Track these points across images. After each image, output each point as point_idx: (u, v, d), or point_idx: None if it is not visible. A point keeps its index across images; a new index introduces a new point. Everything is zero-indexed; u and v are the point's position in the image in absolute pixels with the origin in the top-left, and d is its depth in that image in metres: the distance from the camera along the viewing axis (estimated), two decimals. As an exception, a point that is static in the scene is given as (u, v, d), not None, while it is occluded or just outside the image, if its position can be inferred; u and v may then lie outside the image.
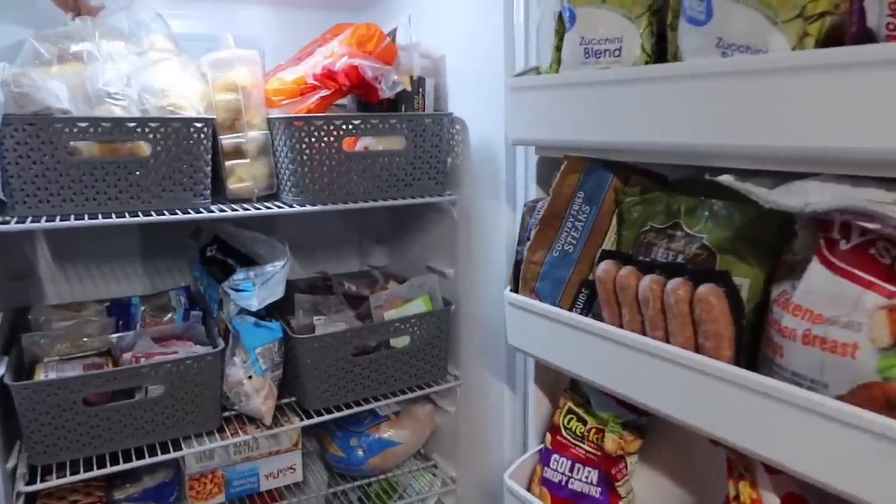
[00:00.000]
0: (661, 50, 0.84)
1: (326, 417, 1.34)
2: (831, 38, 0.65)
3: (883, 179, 0.65)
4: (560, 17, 0.93)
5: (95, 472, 1.13)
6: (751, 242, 0.79)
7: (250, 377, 1.23)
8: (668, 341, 0.82)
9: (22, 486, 1.09)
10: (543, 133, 0.99)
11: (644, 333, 0.85)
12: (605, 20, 0.86)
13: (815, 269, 0.71)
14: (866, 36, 0.61)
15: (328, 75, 1.23)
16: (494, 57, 1.22)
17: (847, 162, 0.65)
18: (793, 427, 0.68)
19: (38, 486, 1.09)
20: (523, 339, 1.06)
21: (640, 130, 0.82)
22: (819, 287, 0.70)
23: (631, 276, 0.85)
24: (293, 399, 1.37)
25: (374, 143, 1.29)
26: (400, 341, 1.38)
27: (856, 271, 0.67)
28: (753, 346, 0.78)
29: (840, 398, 0.65)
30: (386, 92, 1.27)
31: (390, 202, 1.32)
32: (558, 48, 0.94)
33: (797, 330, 0.70)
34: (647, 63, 0.84)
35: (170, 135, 1.14)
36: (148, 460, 1.17)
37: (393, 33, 1.46)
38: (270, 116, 1.26)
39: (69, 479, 1.11)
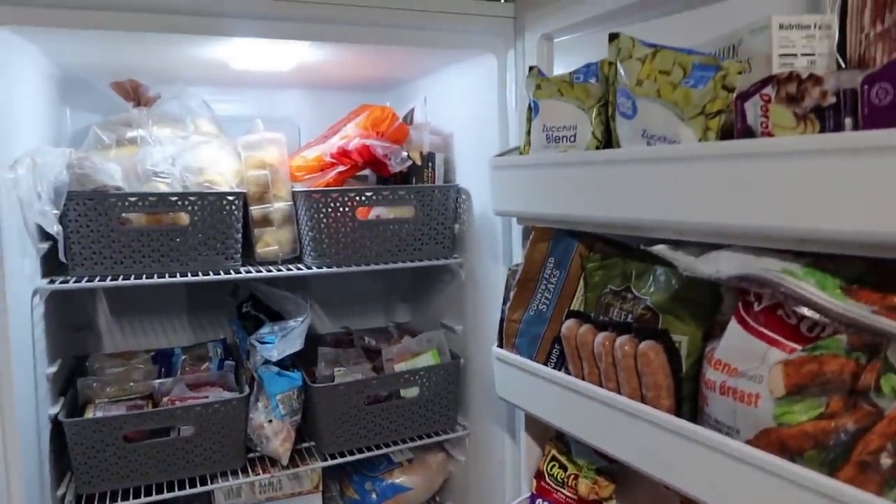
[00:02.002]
0: (609, 136, 0.97)
1: (341, 460, 1.46)
2: (727, 133, 0.77)
3: (778, 251, 0.75)
4: (529, 107, 1.07)
5: (133, 502, 1.27)
6: (687, 304, 0.89)
7: (270, 421, 1.37)
8: (620, 392, 0.92)
9: (69, 513, 1.25)
10: (519, 205, 1.12)
11: (601, 385, 0.95)
12: (562, 110, 0.99)
13: (733, 327, 0.80)
14: (748, 132, 0.72)
15: (343, 154, 1.40)
16: (492, 136, 1.37)
17: (745, 236, 0.76)
18: (714, 469, 0.77)
19: (83, 513, 1.24)
20: (507, 390, 1.17)
21: (591, 206, 0.94)
22: (735, 343, 0.79)
23: (588, 334, 0.96)
24: (312, 444, 1.50)
25: (386, 211, 1.44)
26: (409, 392, 1.50)
27: (764, 330, 0.77)
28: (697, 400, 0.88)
29: (749, 442, 0.74)
30: (395, 167, 1.43)
31: (400, 265, 1.46)
32: (528, 132, 1.08)
33: (716, 382, 0.79)
34: (597, 147, 0.97)
35: (206, 206, 1.32)
36: (179, 493, 1.31)
37: (410, 113, 1.64)
38: (294, 189, 1.43)
39: (109, 507, 1.26)
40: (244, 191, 1.38)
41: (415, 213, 1.46)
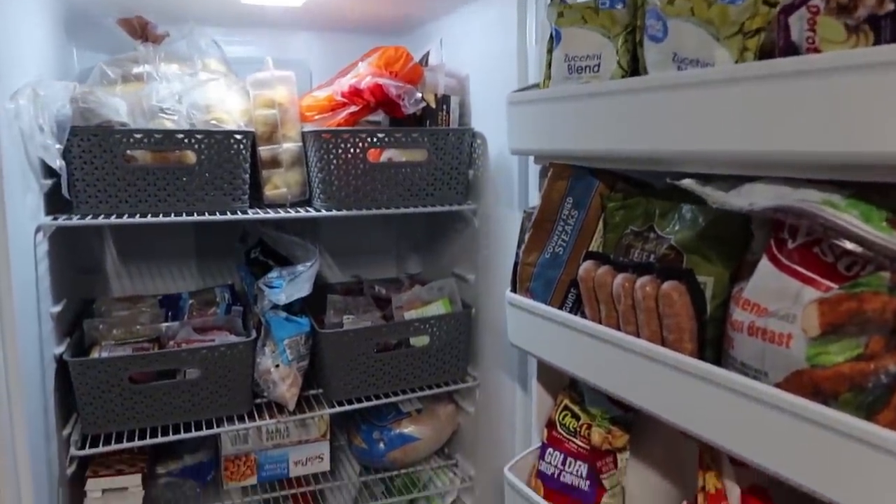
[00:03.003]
0: (635, 65, 0.91)
1: (349, 408, 1.43)
2: (766, 52, 0.71)
3: (818, 181, 0.70)
4: (550, 36, 1.01)
5: (138, 443, 1.26)
6: (714, 243, 0.84)
7: (277, 366, 1.35)
8: (638, 336, 0.88)
9: (74, 451, 1.23)
10: (537, 143, 1.06)
11: (619, 329, 0.91)
12: (585, 39, 0.93)
13: (764, 265, 0.75)
14: (791, 49, 0.66)
15: (354, 93, 1.35)
16: (510, 76, 1.31)
17: (784, 165, 0.71)
18: (738, 414, 0.73)
19: (88, 451, 1.23)
20: (520, 336, 1.13)
21: (614, 139, 0.88)
22: (765, 283, 0.75)
23: (607, 275, 0.92)
24: (320, 391, 1.48)
25: (398, 154, 1.39)
26: (419, 340, 1.47)
27: (798, 268, 0.72)
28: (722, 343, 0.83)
29: (778, 385, 0.70)
30: (408, 109, 1.38)
31: (412, 209, 1.42)
32: (549, 65, 1.02)
33: (744, 322, 0.75)
34: (622, 77, 0.91)
35: (213, 145, 1.28)
36: (185, 435, 1.30)
37: (426, 56, 1.58)
38: (304, 130, 1.38)
39: (115, 446, 1.24)
40: (252, 130, 1.34)
41: (428, 156, 1.41)
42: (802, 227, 0.74)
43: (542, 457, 1.15)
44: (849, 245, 0.65)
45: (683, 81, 0.76)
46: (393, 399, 1.47)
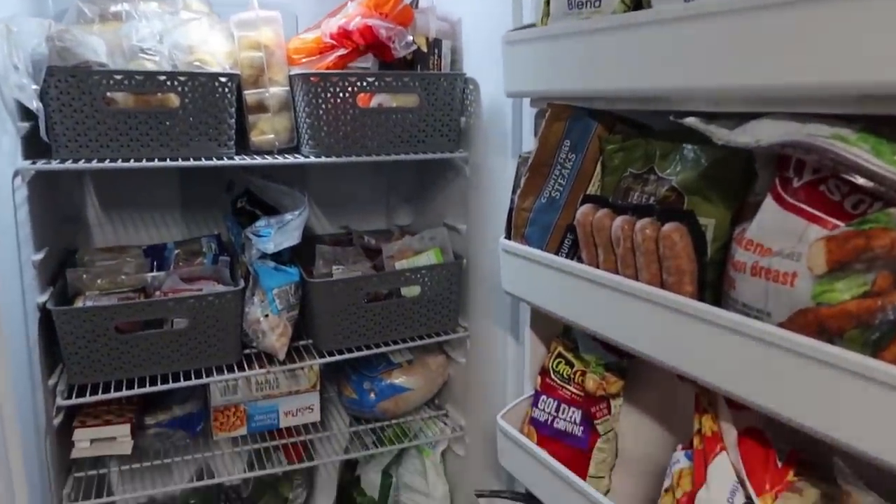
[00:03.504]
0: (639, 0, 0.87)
1: (339, 357, 1.42)
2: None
3: (826, 117, 0.68)
4: (549, -29, 0.97)
5: (126, 392, 1.24)
6: (716, 184, 0.82)
7: (266, 316, 1.33)
8: (637, 279, 0.86)
9: (61, 401, 1.21)
10: (534, 84, 1.03)
11: (617, 272, 0.89)
12: (587, -28, 0.89)
13: (769, 204, 0.74)
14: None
15: (343, 34, 1.30)
16: (504, 19, 1.26)
17: (795, 99, 0.68)
18: (741, 355, 0.72)
19: (75, 401, 1.21)
20: (515, 284, 1.11)
21: (617, 77, 0.86)
22: (770, 222, 0.73)
23: (605, 218, 0.90)
24: (310, 341, 1.46)
25: (389, 100, 1.35)
26: (410, 291, 1.45)
27: (804, 206, 0.70)
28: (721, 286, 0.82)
29: (781, 325, 0.69)
30: (399, 51, 1.33)
31: (402, 157, 1.38)
32: (547, 2, 0.98)
33: (747, 263, 0.74)
34: (624, 12, 0.88)
35: (197, 88, 1.23)
36: (173, 385, 1.28)
37: (416, -1, 1.52)
38: (291, 73, 1.34)
39: (102, 396, 1.22)
40: (238, 73, 1.29)
41: (419, 102, 1.37)
42: (808, 165, 0.72)
43: (535, 404, 1.15)
44: (859, 180, 0.63)
45: (692, 13, 0.72)
46: (384, 349, 1.46)
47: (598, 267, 0.92)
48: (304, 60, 1.35)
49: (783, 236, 0.71)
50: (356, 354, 1.43)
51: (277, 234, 1.30)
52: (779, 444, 0.83)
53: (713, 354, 0.76)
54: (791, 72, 0.66)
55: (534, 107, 1.12)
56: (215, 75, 1.25)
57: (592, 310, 0.93)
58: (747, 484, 0.79)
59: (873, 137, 0.65)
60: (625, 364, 1.07)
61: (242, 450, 1.51)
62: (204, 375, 1.32)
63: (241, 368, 1.36)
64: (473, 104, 1.44)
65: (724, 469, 0.82)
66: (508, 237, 1.11)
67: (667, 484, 0.89)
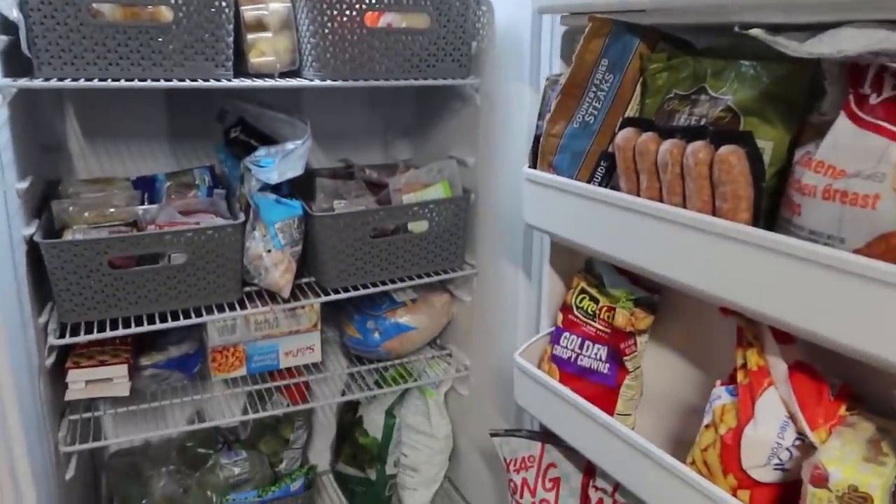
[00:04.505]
0: None
1: (344, 296, 1.36)
2: None
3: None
4: None
5: (121, 332, 1.17)
6: (777, 103, 0.77)
7: (269, 251, 1.26)
8: (685, 207, 0.81)
9: (53, 340, 1.14)
10: (572, -2, 0.95)
11: (661, 201, 0.84)
12: None
13: (842, 124, 0.68)
14: None
15: (353, -56, 1.19)
16: None
17: (881, 5, 0.62)
18: (811, 286, 0.67)
19: (68, 340, 1.14)
20: (540, 215, 1.06)
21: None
22: (844, 142, 0.68)
23: (650, 142, 0.83)
24: (312, 279, 1.40)
25: (398, 19, 1.26)
26: (418, 226, 1.39)
27: (884, 124, 0.65)
28: (772, 213, 0.77)
29: (858, 251, 0.64)
30: (411, -34, 1.24)
31: (413, 82, 1.30)
32: None
33: (817, 186, 0.68)
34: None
35: (191, 2, 1.12)
36: (171, 324, 1.21)
37: None
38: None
39: (96, 335, 1.15)
40: (235, -15, 1.18)
41: (430, 23, 1.28)
42: (888, 80, 0.66)
43: (556, 341, 1.11)
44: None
45: None
46: (389, 287, 1.40)
47: (638, 195, 0.87)
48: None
49: (860, 156, 0.66)
50: (362, 292, 1.37)
51: (281, 164, 1.22)
52: (830, 379, 0.80)
53: (775, 284, 0.71)
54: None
55: (565, 24, 1.04)
56: (211, -12, 1.14)
57: (633, 242, 0.88)
58: (801, 419, 0.76)
59: (975, 45, 0.59)
60: (656, 299, 1.02)
61: (241, 391, 1.46)
62: (204, 314, 1.26)
63: (242, 307, 1.30)
64: (486, 27, 1.35)
65: (773, 404, 0.79)
66: (533, 166, 1.05)
67: (707, 420, 0.86)
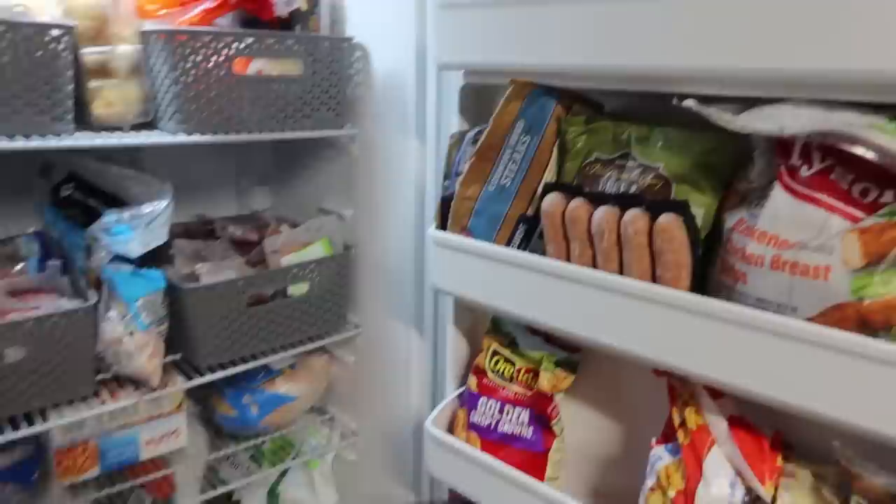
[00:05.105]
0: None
1: (219, 375, 1.21)
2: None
3: (850, 103, 0.66)
4: (503, -74, 0.85)
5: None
6: (707, 171, 0.78)
7: (132, 333, 1.07)
8: (621, 274, 0.80)
9: None
10: (480, 55, 0.91)
11: (595, 267, 0.82)
12: (559, -70, 0.79)
13: (779, 195, 0.71)
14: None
15: (216, -17, 1.06)
16: None
17: (824, 85, 0.65)
18: (762, 352, 0.69)
19: None
20: (452, 280, 1.00)
21: (599, 51, 0.77)
22: (784, 213, 0.70)
23: (582, 209, 0.82)
24: (178, 356, 1.22)
25: (270, 66, 1.14)
26: (298, 289, 1.27)
27: (819, 196, 0.68)
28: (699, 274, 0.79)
29: (811, 320, 0.67)
30: (281, 8, 1.13)
31: (288, 134, 1.19)
32: (499, -39, 0.87)
33: (765, 256, 0.70)
34: (605, -20, 0.79)
35: (20, 43, 0.93)
36: (7, 436, 0.99)
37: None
38: (145, 29, 1.07)
39: None
40: (73, 24, 0.99)
41: (304, 69, 1.18)
42: (815, 153, 0.70)
43: (472, 407, 1.06)
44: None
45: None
46: (269, 359, 1.27)
47: (569, 261, 0.85)
48: (161, 12, 1.08)
49: (801, 227, 0.68)
50: (239, 368, 1.22)
51: (143, 233, 1.04)
52: (763, 429, 0.83)
53: (722, 350, 0.72)
54: (825, 57, 0.63)
55: (468, 80, 1.00)
56: (45, 27, 0.95)
57: (566, 309, 0.85)
58: (749, 475, 0.78)
59: (906, 127, 0.64)
60: (577, 358, 1.01)
61: (92, 496, 1.23)
62: (45, 417, 1.04)
63: (94, 399, 1.09)
64: (361, 73, 1.27)
65: (720, 462, 0.80)
66: (442, 228, 1.00)
67: (650, 483, 0.85)
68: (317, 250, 1.28)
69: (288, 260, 1.25)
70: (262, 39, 1.11)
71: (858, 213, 0.67)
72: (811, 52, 0.63)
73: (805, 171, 0.70)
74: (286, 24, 1.21)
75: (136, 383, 1.14)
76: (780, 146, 0.72)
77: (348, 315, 1.39)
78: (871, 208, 0.67)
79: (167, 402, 1.27)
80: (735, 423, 0.82)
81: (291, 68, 1.17)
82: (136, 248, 1.04)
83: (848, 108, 0.66)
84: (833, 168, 0.69)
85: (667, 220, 0.75)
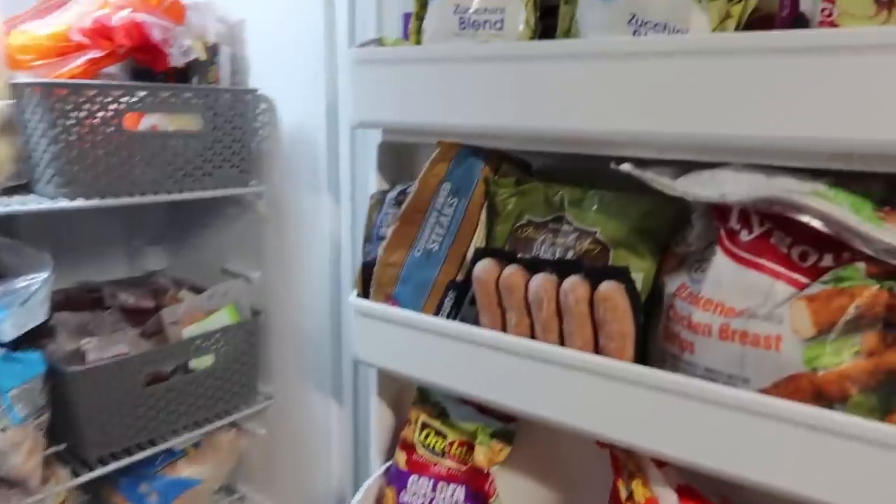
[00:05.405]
0: (544, 26, 0.77)
1: (111, 467, 1.07)
2: (752, 22, 0.63)
3: (790, 169, 0.65)
4: (420, -21, 0.81)
5: None
6: (645, 235, 0.76)
7: (4, 429, 0.92)
8: (562, 345, 0.76)
9: None
10: (399, 114, 0.86)
11: (533, 338, 0.78)
12: (484, -14, 0.76)
13: (721, 261, 0.69)
14: (798, 20, 0.59)
15: (101, 31, 0.96)
16: (311, 25, 1.07)
17: (764, 151, 0.64)
18: (715, 425, 0.66)
19: None
20: (378, 352, 0.93)
21: (531, 114, 0.74)
22: (727, 279, 0.68)
23: (518, 276, 0.77)
24: (63, 446, 1.06)
25: (165, 121, 1.04)
26: (202, 362, 1.15)
27: (762, 261, 0.67)
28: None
29: (764, 391, 0.64)
30: (177, 58, 1.04)
31: (187, 195, 1.08)
32: (419, 17, 0.82)
33: (712, 325, 0.68)
34: (531, 39, 0.76)
35: None
36: None
37: (172, -11, 1.21)
38: (16, 81, 0.95)
39: None
40: (-71, 78, 0.86)
41: (203, 124, 1.08)
42: (754, 217, 0.69)
43: (402, 486, 0.97)
44: (859, 245, 0.60)
45: (660, 49, 0.63)
46: (170, 443, 1.13)
47: (505, 331, 0.80)
48: (36, 63, 0.96)
49: (747, 294, 0.66)
50: (136, 457, 1.09)
51: (19, 312, 0.90)
52: (711, 498, 0.80)
53: (670, 422, 0.69)
54: (769, 124, 0.61)
55: (387, 138, 0.94)
56: None
57: (503, 382, 0.80)
58: (701, 549, 0.75)
59: (844, 193, 0.63)
60: (514, 429, 0.95)
61: None
62: None
63: (-41, 511, 0.93)
64: (267, 127, 1.19)
65: (671, 538, 0.77)
66: (363, 295, 0.92)
67: (600, 562, 0.81)
68: (222, 318, 1.17)
69: (190, 331, 1.13)
70: (156, 92, 1.01)
71: (802, 279, 0.65)
72: (752, 119, 0.62)
73: (746, 236, 0.69)
74: (183, 74, 1.11)
75: (12, 484, 0.98)
76: (718, 209, 0.71)
77: (259, 385, 1.28)
78: (814, 272, 0.65)
79: (48, 498, 1.10)
80: (684, 493, 0.79)
81: (189, 123, 1.07)
82: (9, 331, 0.90)
83: (787, 174, 0.65)
84: (772, 232, 0.68)
85: (609, 288, 0.71)
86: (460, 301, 0.87)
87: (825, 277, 0.64)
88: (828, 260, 0.65)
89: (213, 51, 1.14)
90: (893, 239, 0.59)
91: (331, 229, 1.13)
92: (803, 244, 0.67)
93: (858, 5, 0.55)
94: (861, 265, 0.63)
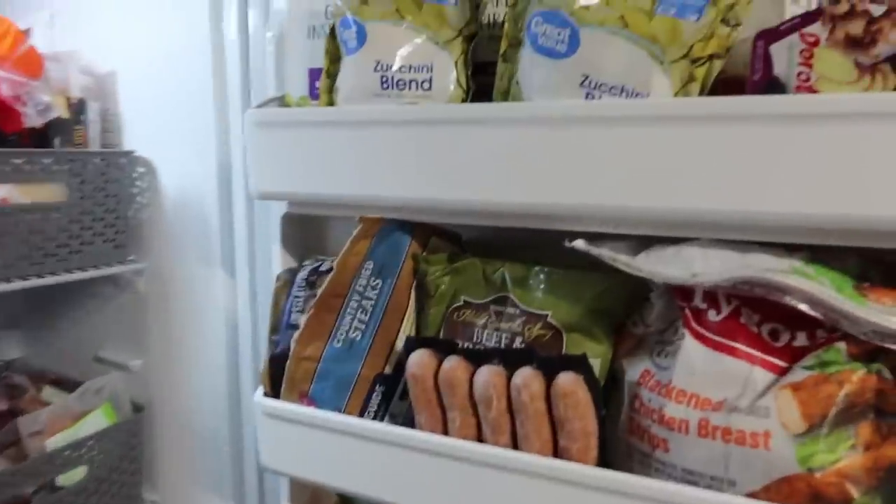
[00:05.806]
0: (476, 84, 0.68)
1: None
2: (717, 84, 0.56)
3: (763, 244, 0.59)
4: (333, 33, 0.70)
5: None
6: (599, 316, 0.67)
7: None
8: (514, 447, 0.66)
9: None
10: (310, 185, 0.74)
11: (481, 440, 0.67)
12: (407, 43, 0.66)
13: (691, 345, 0.61)
14: (771, 84, 0.53)
15: (-68, 89, 0.78)
16: (197, 76, 0.93)
17: (736, 227, 0.57)
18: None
19: None
20: (290, 458, 0.79)
21: (470, 186, 0.64)
22: (700, 367, 0.61)
23: (460, 370, 0.67)
24: None
25: (17, 193, 0.87)
26: (72, 476, 0.96)
27: (737, 345, 0.60)
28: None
29: (754, 495, 0.57)
30: (33, 118, 0.87)
31: (49, 279, 0.90)
32: (330, 74, 0.71)
33: (689, 420, 0.60)
34: (463, 100, 0.67)
35: None
36: None
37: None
38: None
39: None
40: None
41: (68, 194, 0.91)
42: (721, 294, 0.62)
43: None
44: (846, 326, 0.54)
45: (613, 114, 0.56)
46: (33, 581, 0.93)
47: (446, 434, 0.69)
48: None
49: (723, 384, 0.59)
50: None
51: None
52: None
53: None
54: (741, 198, 0.55)
55: (293, 210, 0.82)
56: None
57: (448, 491, 0.69)
58: None
59: (824, 269, 0.58)
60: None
61: None
62: None
63: None
64: (146, 194, 1.03)
65: None
66: (272, 394, 0.78)
67: None
68: (96, 421, 0.99)
69: (55, 442, 0.93)
70: (6, 159, 0.84)
71: (779, 362, 0.59)
72: (723, 192, 0.56)
73: (714, 316, 0.62)
74: (42, 136, 0.94)
75: None
76: (680, 287, 0.64)
77: (144, 494, 1.09)
78: (789, 354, 0.59)
79: None
80: None
81: (50, 194, 0.90)
82: None
83: (760, 249, 0.58)
84: (740, 310, 0.61)
85: (568, 381, 0.62)
86: (389, 396, 0.75)
87: (807, 361, 0.58)
88: (801, 339, 0.60)
89: (78, 108, 0.97)
90: (881, 319, 0.54)
91: (226, 309, 0.98)
92: (772, 321, 0.61)
93: (838, 70, 0.50)
94: (842, 345, 0.57)
